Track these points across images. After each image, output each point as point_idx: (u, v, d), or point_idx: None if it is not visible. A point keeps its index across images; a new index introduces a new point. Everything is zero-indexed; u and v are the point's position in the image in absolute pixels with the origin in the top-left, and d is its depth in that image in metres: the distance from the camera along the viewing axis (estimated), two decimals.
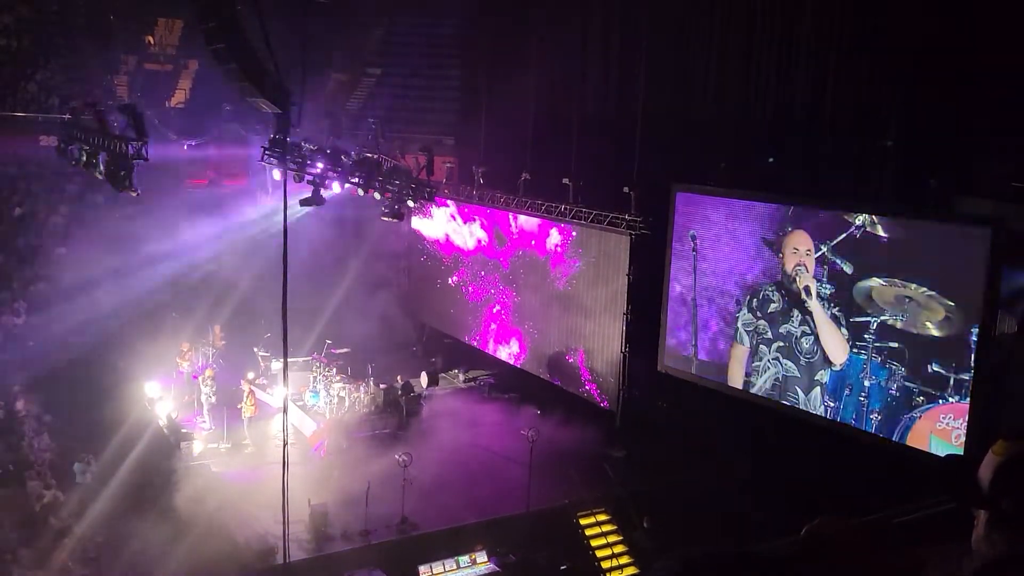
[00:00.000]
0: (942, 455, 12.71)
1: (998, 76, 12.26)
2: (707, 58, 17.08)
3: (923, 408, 13.10)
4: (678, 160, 17.04)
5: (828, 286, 14.33)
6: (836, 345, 14.24)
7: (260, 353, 19.38)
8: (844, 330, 14.09)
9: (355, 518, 14.17)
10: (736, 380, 15.98)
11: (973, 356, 12.44)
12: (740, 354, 15.93)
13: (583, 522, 15.20)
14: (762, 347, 15.51)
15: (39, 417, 15.99)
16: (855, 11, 14.79)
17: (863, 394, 13.94)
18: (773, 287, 15.24)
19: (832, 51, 14.95)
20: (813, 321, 14.56)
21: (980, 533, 1.76)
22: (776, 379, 15.30)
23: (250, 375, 18.13)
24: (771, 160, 15.55)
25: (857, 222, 13.81)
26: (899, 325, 13.35)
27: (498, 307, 21.14)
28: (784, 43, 15.66)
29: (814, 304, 14.51)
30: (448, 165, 22.15)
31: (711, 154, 16.43)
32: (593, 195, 18.14)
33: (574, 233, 18.70)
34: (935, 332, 12.91)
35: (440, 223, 22.97)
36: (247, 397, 17.37)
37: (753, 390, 15.72)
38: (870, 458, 13.61)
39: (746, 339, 15.79)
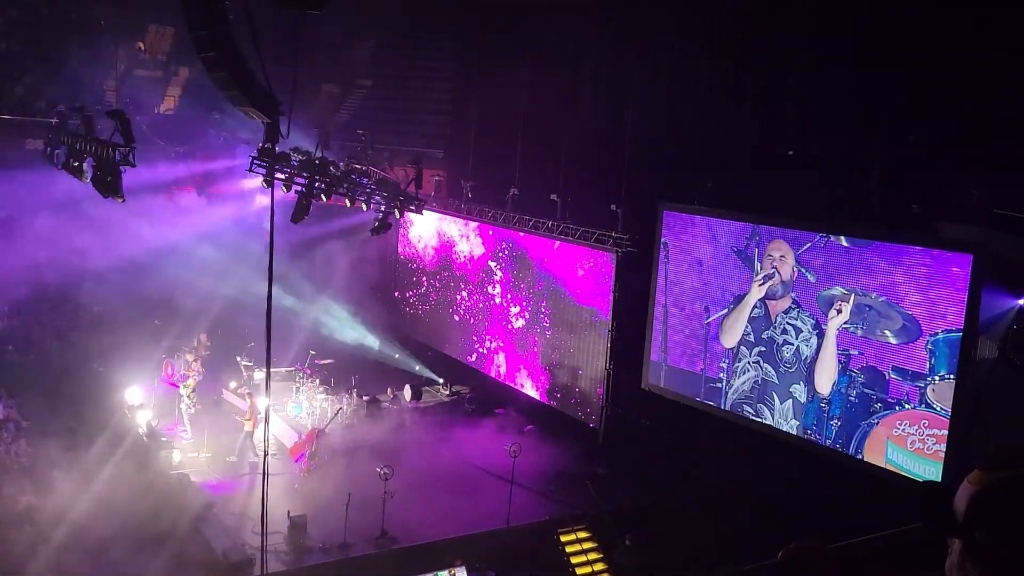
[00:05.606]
0: (919, 480, 12.75)
1: (982, 106, 12.44)
2: (696, 78, 17.18)
3: (881, 414, 13.40)
4: (666, 178, 17.11)
5: (793, 294, 14.66)
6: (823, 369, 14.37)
7: (243, 362, 19.26)
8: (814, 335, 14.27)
9: (334, 530, 14.08)
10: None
11: (929, 365, 12.67)
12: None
13: (563, 539, 15.13)
14: (743, 348, 15.63)
15: (17, 422, 15.81)
16: (845, 35, 14.92)
17: (824, 401, 14.20)
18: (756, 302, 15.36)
19: (820, 74, 15.07)
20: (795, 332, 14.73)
21: (954, 561, 1.77)
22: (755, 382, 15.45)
23: (232, 384, 18.00)
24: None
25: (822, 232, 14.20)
26: (859, 333, 13.61)
27: (492, 341, 21.07)
28: (773, 64, 15.80)
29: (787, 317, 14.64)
30: (436, 178, 22.16)
31: (698, 173, 16.52)
32: (580, 212, 18.19)
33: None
34: (893, 340, 13.17)
35: (431, 234, 22.94)
36: (248, 411, 16.97)
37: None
38: (848, 476, 13.72)
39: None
